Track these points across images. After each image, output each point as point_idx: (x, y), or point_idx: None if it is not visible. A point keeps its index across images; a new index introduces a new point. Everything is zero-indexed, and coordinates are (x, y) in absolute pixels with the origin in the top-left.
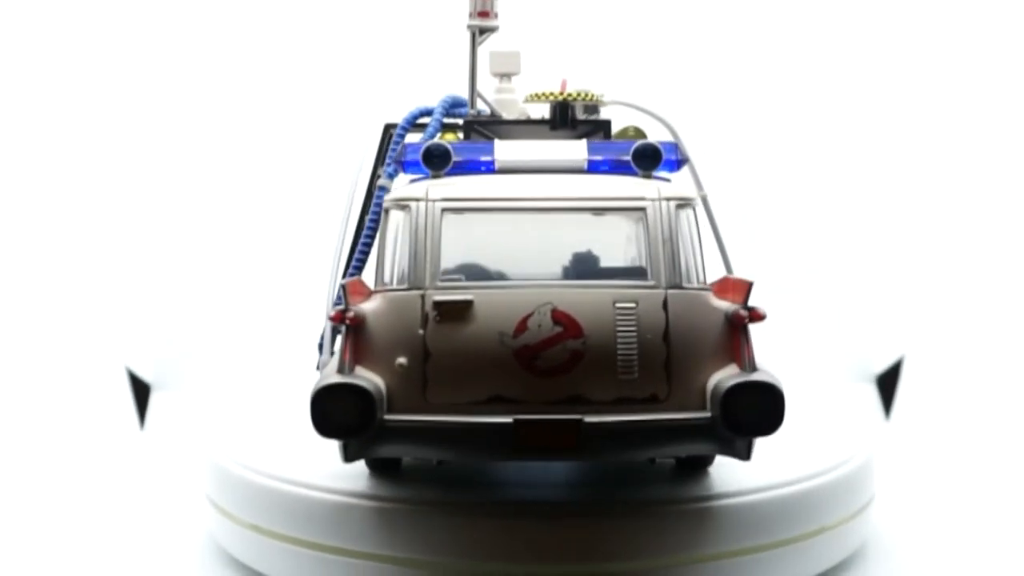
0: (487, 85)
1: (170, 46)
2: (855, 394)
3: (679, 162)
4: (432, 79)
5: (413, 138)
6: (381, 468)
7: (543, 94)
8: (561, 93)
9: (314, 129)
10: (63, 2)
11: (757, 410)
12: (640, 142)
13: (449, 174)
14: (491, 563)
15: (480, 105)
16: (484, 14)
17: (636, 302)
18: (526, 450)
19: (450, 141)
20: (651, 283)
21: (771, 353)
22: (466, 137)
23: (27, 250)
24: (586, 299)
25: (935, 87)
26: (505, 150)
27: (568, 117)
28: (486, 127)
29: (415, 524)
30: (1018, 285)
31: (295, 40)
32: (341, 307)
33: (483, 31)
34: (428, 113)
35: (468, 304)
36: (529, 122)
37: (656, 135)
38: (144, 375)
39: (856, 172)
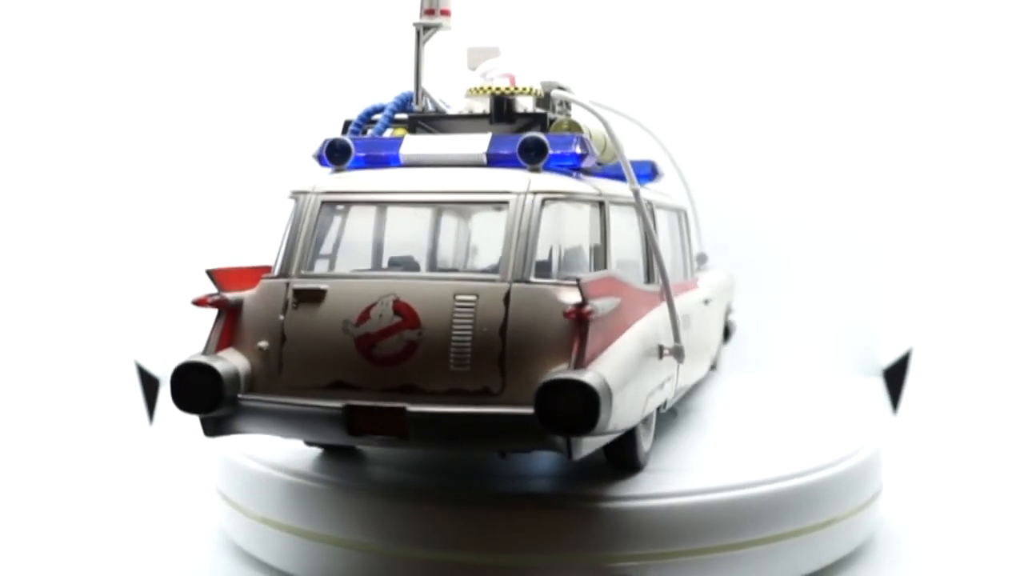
0: (467, 80)
1: (159, 54)
2: (863, 388)
3: (580, 156)
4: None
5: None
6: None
7: (483, 88)
8: (511, 87)
9: (302, 128)
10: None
11: (568, 408)
12: (526, 135)
13: (363, 167)
14: (512, 554)
15: (456, 100)
16: (430, 12)
17: (477, 295)
18: (360, 435)
19: (399, 135)
20: (498, 277)
21: (780, 347)
22: (411, 131)
23: (37, 247)
24: (428, 291)
25: (941, 79)
26: (412, 145)
27: (504, 111)
28: (429, 122)
29: (423, 516)
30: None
31: (269, 39)
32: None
33: (427, 28)
34: (381, 110)
35: (322, 293)
36: (470, 117)
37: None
38: (153, 370)
39: (865, 166)
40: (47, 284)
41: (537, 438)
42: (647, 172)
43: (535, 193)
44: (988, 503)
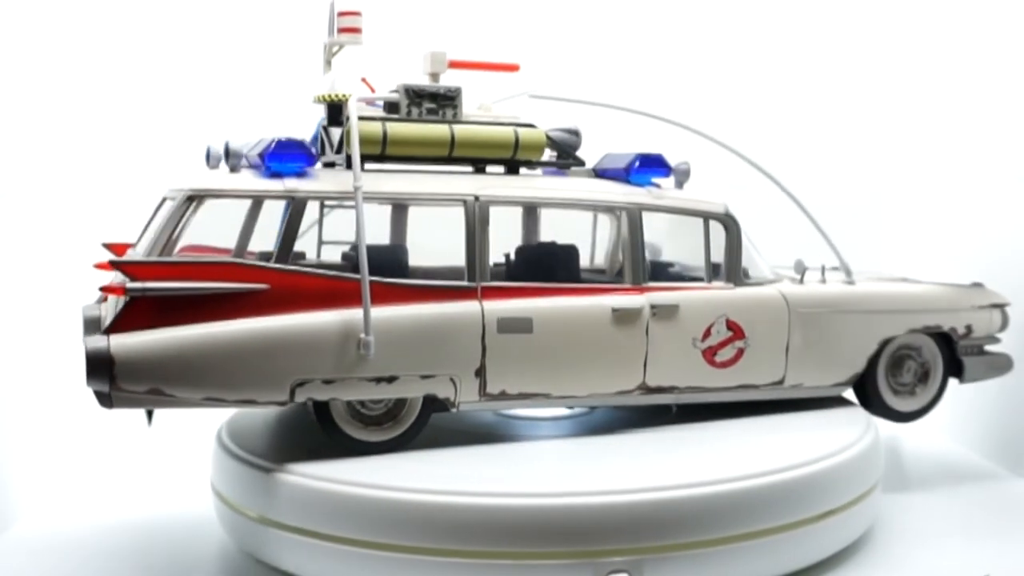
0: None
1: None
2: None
3: (261, 157)
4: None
5: None
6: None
7: (321, 96)
8: (340, 95)
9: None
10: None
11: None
12: (226, 142)
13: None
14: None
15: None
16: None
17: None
18: None
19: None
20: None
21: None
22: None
23: (39, 243)
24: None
25: (941, 73)
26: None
27: (336, 116)
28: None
29: (422, 512)
30: None
31: (245, 41)
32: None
33: (327, 46)
34: None
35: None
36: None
37: None
38: None
39: (864, 161)
40: (50, 281)
41: None
42: (628, 168)
43: (184, 192)
44: (986, 494)
